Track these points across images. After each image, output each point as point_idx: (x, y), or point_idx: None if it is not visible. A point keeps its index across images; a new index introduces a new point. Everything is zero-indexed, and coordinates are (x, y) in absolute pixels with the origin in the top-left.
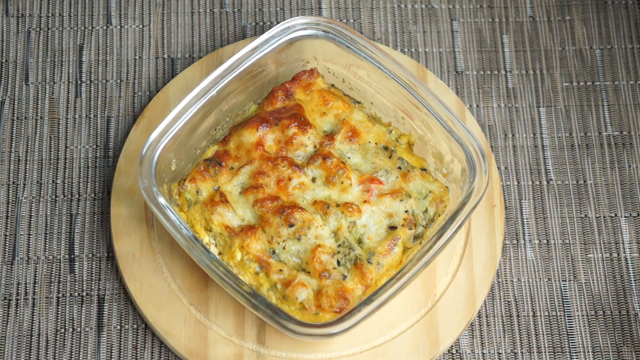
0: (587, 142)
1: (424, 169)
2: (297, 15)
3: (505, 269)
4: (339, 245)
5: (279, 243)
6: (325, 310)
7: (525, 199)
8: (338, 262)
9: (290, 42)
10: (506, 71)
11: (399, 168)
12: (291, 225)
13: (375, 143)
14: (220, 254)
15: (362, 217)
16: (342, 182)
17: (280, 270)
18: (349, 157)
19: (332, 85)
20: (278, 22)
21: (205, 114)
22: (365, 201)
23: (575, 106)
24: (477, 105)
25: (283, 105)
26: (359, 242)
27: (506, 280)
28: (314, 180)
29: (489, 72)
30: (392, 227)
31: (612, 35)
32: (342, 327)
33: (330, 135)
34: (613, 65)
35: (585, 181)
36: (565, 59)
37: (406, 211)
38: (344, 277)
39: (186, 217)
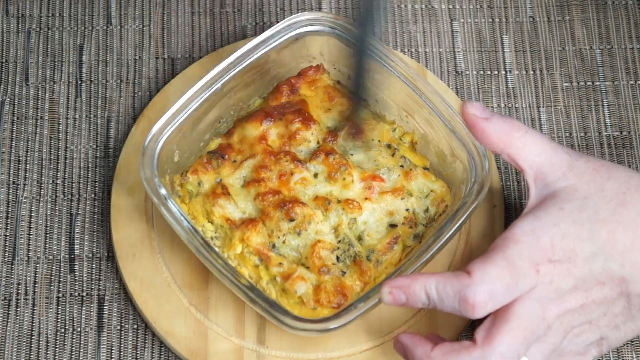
0: (587, 142)
1: (426, 168)
2: None
3: None
4: (339, 242)
5: (279, 237)
6: (323, 305)
7: (525, 199)
8: (337, 258)
9: (297, 37)
10: (506, 71)
11: (402, 166)
12: (292, 220)
13: (379, 141)
14: (220, 246)
15: (363, 214)
16: (343, 179)
17: (280, 263)
18: (351, 154)
19: (338, 82)
20: (278, 22)
21: (210, 106)
22: (366, 198)
23: (575, 106)
24: None
25: (288, 100)
26: (359, 239)
27: None
28: (315, 175)
29: (489, 72)
30: (393, 225)
31: (612, 35)
32: (339, 322)
33: (333, 132)
34: (613, 65)
35: None
36: (565, 59)
37: (407, 209)
38: (343, 273)
39: (187, 208)
